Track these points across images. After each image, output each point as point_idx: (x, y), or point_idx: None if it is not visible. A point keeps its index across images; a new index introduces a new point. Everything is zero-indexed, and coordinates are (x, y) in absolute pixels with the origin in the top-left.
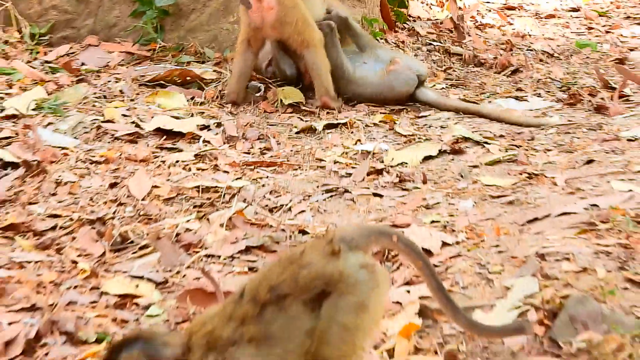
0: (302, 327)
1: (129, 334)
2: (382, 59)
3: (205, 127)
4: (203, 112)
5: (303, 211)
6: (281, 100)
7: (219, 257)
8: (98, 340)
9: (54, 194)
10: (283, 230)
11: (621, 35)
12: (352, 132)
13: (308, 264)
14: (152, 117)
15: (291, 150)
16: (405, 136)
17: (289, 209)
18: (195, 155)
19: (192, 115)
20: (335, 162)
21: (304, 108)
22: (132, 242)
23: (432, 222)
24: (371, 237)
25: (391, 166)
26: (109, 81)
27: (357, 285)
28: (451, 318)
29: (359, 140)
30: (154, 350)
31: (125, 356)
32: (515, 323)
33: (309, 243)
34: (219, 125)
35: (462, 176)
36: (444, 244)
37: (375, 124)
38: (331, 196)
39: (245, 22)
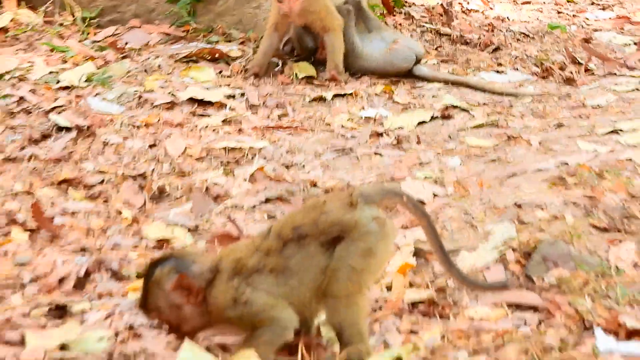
0: (317, 265)
1: (164, 253)
2: (386, 39)
3: (231, 97)
4: (229, 84)
5: (315, 168)
6: (296, 74)
7: (243, 206)
8: (139, 277)
9: (101, 153)
10: (297, 184)
11: (586, 18)
12: (356, 101)
13: (328, 211)
14: (186, 88)
15: (304, 116)
16: (402, 104)
17: (303, 166)
18: (223, 121)
19: (219, 87)
20: (342, 126)
21: (315, 82)
22: (168, 194)
23: (425, 177)
24: (385, 195)
25: (390, 130)
26: (149, 58)
27: (368, 234)
28: (447, 271)
29: (363, 107)
30: (184, 266)
31: (159, 271)
32: (500, 282)
33: (332, 194)
34: (242, 95)
35: (450, 138)
36: (435, 195)
37: (376, 94)
38: (339, 155)
39: (275, 9)
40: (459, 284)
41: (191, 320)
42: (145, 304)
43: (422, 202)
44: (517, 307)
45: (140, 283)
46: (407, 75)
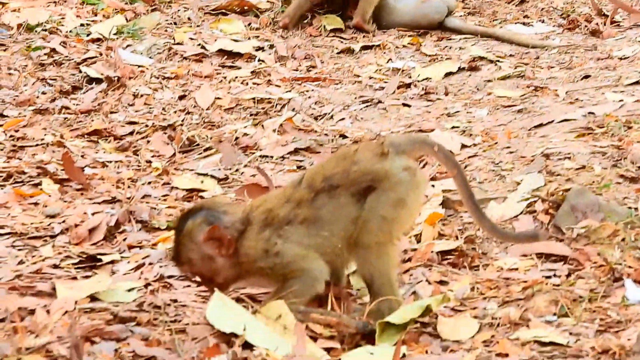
0: (348, 215)
1: (194, 204)
2: None
3: (260, 49)
4: (258, 36)
5: (343, 119)
6: (324, 26)
7: (272, 157)
8: (169, 228)
9: (131, 105)
10: (326, 134)
11: None
12: (384, 53)
13: (359, 161)
14: (215, 40)
15: (333, 68)
16: (429, 56)
17: (331, 117)
18: (252, 72)
19: (248, 39)
20: (370, 78)
21: (343, 35)
22: (197, 144)
23: (453, 127)
24: (416, 145)
25: (418, 81)
26: (179, 10)
27: (399, 184)
28: (477, 222)
29: (390, 59)
30: (215, 217)
31: (191, 223)
32: (531, 231)
33: (363, 144)
34: (271, 47)
35: (477, 89)
36: (463, 146)
37: (404, 46)
38: (367, 106)
39: None
40: (489, 235)
41: (223, 272)
42: (178, 257)
43: (451, 153)
44: (546, 257)
45: (170, 234)
46: (439, 27)
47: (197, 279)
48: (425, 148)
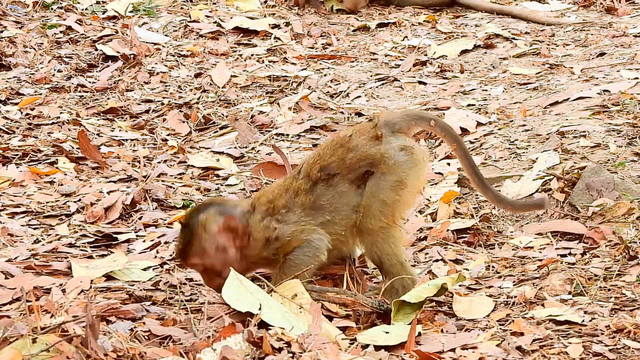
0: (348, 203)
1: (203, 201)
2: None
3: (276, 26)
4: (274, 14)
5: (359, 96)
6: (332, 7)
7: (288, 135)
8: (184, 206)
9: (147, 83)
10: (342, 112)
11: None
12: (400, 30)
13: (354, 148)
14: (231, 18)
15: (349, 46)
16: (445, 33)
17: (347, 95)
18: (268, 50)
19: (264, 17)
20: (386, 55)
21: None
22: (213, 122)
23: (469, 105)
24: (412, 121)
25: (433, 58)
26: None
27: (396, 166)
28: (481, 192)
29: (406, 36)
30: (228, 210)
31: (204, 216)
32: (536, 199)
33: (356, 127)
34: (287, 24)
35: (493, 67)
36: (479, 124)
37: (420, 23)
38: (383, 84)
39: None
40: (494, 204)
41: (233, 264)
42: (189, 250)
43: (466, 131)
44: (562, 236)
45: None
46: (452, 4)
47: (200, 278)
48: (422, 123)
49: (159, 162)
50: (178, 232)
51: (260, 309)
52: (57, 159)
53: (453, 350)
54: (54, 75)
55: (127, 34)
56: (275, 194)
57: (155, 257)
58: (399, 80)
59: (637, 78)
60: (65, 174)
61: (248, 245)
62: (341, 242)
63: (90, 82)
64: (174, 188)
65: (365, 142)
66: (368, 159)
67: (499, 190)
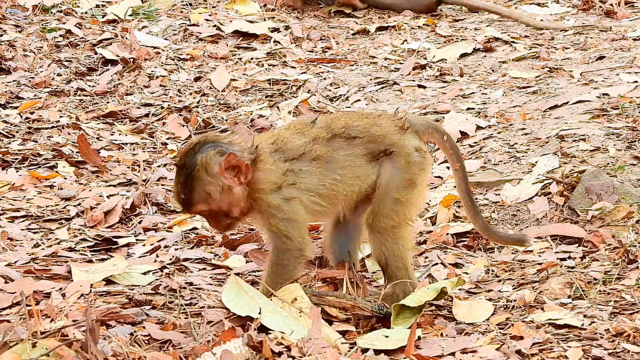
0: (360, 167)
1: (194, 139)
2: None
3: (276, 30)
4: (273, 17)
5: (358, 100)
6: (330, 10)
7: None
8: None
9: (147, 86)
10: None
11: None
12: (399, 34)
13: (381, 125)
14: (231, 22)
15: (348, 49)
16: (444, 36)
17: (347, 98)
18: (267, 53)
19: (264, 20)
20: (385, 59)
21: (356, 15)
22: (213, 126)
23: (468, 108)
24: (430, 129)
25: (433, 62)
26: None
27: (411, 164)
28: (471, 219)
29: (406, 40)
30: (225, 147)
31: (202, 156)
32: (518, 235)
33: (384, 114)
34: (287, 28)
35: (493, 70)
36: (478, 127)
37: (419, 27)
38: (382, 87)
39: None
40: (480, 233)
41: (240, 202)
42: (191, 196)
43: (466, 134)
44: (561, 240)
45: (186, 218)
46: (440, 4)
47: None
48: (436, 135)
49: (159, 166)
50: (174, 178)
51: (260, 313)
52: (56, 163)
53: (453, 354)
54: (53, 79)
55: (126, 38)
56: (285, 135)
57: (155, 261)
58: (398, 84)
59: (636, 81)
60: (65, 178)
61: (255, 183)
62: (338, 204)
63: (89, 86)
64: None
65: (391, 125)
66: (390, 140)
67: (498, 194)
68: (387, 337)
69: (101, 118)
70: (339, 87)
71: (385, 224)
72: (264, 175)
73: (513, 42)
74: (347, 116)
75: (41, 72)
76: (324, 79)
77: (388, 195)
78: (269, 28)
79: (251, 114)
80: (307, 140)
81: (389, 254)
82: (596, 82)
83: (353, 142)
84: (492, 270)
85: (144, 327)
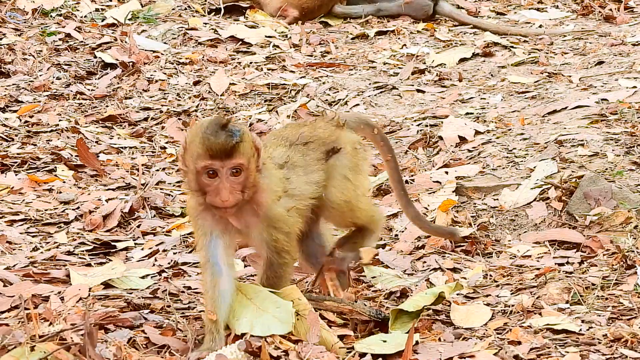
0: (323, 171)
1: (214, 119)
2: None
3: (274, 34)
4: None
5: (357, 104)
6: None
7: None
8: (183, 215)
9: (146, 90)
10: None
11: None
12: (398, 38)
13: (321, 126)
14: (229, 25)
15: (347, 53)
16: (443, 41)
17: (345, 103)
18: (266, 58)
19: (263, 26)
20: (384, 63)
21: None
22: None
23: (467, 113)
24: (360, 124)
25: (432, 67)
26: None
27: (355, 151)
28: (402, 208)
29: (405, 44)
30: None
31: (243, 128)
32: (449, 228)
33: (317, 118)
34: (285, 36)
35: (492, 75)
36: (477, 132)
37: (418, 31)
38: (381, 92)
39: None
40: (412, 222)
41: (251, 186)
42: (239, 146)
43: (465, 139)
44: (559, 245)
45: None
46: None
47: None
48: (367, 129)
49: (158, 170)
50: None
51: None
52: (55, 167)
53: (450, 359)
54: (52, 82)
55: (126, 42)
56: (267, 141)
57: (154, 265)
58: (397, 89)
59: (635, 87)
60: (64, 182)
61: (257, 171)
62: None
63: (89, 90)
64: (172, 196)
65: (329, 125)
66: (335, 137)
67: (497, 199)
68: (385, 341)
69: (100, 122)
70: (338, 92)
71: (337, 198)
72: (268, 179)
73: (512, 47)
74: (288, 127)
75: (40, 75)
76: (323, 83)
77: (338, 174)
78: (267, 32)
79: (250, 118)
80: (284, 148)
81: (351, 221)
82: (595, 87)
83: (309, 147)
84: (490, 275)
85: (143, 331)
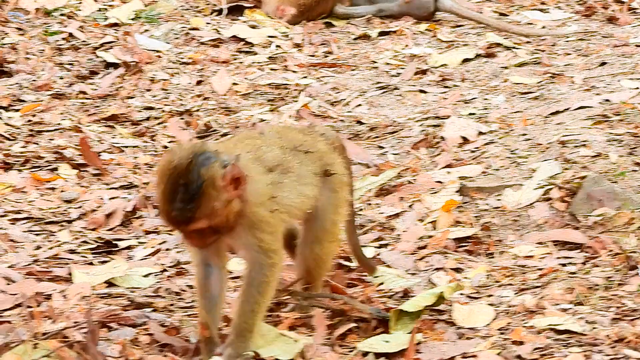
0: (316, 187)
1: (181, 151)
2: None
3: (277, 34)
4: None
5: (359, 105)
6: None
7: None
8: None
9: (148, 90)
10: (342, 120)
11: None
12: (401, 39)
13: (320, 141)
14: (232, 25)
15: (349, 54)
16: (446, 42)
17: (347, 103)
18: (269, 58)
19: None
20: (386, 64)
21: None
22: (214, 130)
23: (469, 114)
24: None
25: (434, 67)
26: None
27: (342, 185)
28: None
29: (407, 45)
30: (220, 157)
31: (206, 170)
32: (370, 262)
33: (312, 129)
34: (286, 36)
35: (494, 76)
36: (480, 133)
37: (421, 32)
38: (383, 92)
39: None
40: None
41: (235, 215)
42: (196, 212)
43: (467, 140)
44: (562, 245)
45: None
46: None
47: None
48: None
49: None
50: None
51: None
52: (58, 166)
53: (453, 358)
54: (55, 82)
55: (128, 41)
56: (258, 144)
57: (156, 263)
58: (399, 89)
59: (638, 88)
60: (67, 181)
61: (245, 192)
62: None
63: (91, 89)
64: None
65: (325, 143)
66: (330, 159)
67: (499, 200)
68: (387, 342)
69: (103, 121)
70: (340, 92)
71: (322, 239)
72: (254, 187)
73: (515, 47)
74: (292, 129)
75: (43, 75)
76: (325, 83)
77: (327, 218)
78: (270, 32)
79: (252, 118)
80: (279, 151)
81: (315, 261)
82: (598, 88)
83: (309, 158)
84: (493, 275)
85: (146, 329)
